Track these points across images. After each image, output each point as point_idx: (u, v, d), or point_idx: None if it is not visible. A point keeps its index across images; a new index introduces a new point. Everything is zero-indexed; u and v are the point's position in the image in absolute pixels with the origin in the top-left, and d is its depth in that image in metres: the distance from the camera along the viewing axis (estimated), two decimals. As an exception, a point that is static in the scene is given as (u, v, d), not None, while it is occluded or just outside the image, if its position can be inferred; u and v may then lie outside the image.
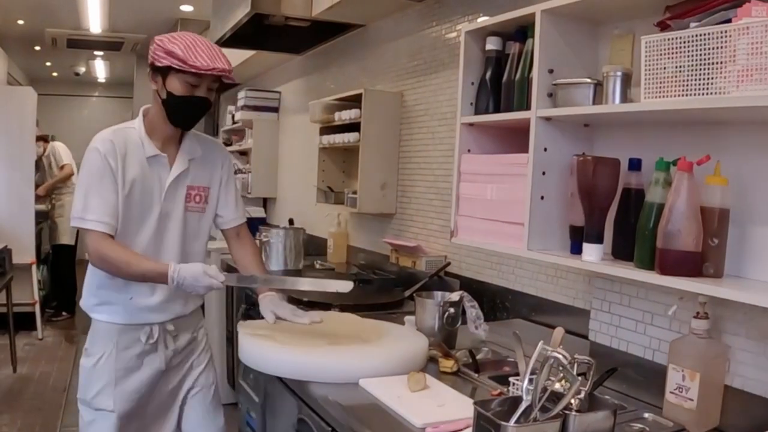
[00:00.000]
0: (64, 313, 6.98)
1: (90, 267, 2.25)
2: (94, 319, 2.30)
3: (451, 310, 2.36)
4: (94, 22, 6.47)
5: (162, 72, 2.16)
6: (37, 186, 6.55)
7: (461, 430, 1.60)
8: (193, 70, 2.12)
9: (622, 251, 1.84)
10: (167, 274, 2.11)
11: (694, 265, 1.60)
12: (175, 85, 2.16)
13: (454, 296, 2.39)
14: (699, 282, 1.55)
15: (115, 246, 2.15)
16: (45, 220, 6.89)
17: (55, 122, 9.75)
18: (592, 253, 1.82)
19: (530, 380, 1.45)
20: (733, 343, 1.73)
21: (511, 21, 2.12)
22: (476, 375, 2.08)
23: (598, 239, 1.82)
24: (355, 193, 3.78)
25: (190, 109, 2.23)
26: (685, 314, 1.80)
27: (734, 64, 1.43)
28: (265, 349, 2.05)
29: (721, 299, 1.56)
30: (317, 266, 4.04)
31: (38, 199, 6.51)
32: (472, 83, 2.30)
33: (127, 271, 2.15)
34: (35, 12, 6.38)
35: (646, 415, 1.78)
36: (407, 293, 3.07)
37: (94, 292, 2.29)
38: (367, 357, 2.03)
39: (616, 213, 1.86)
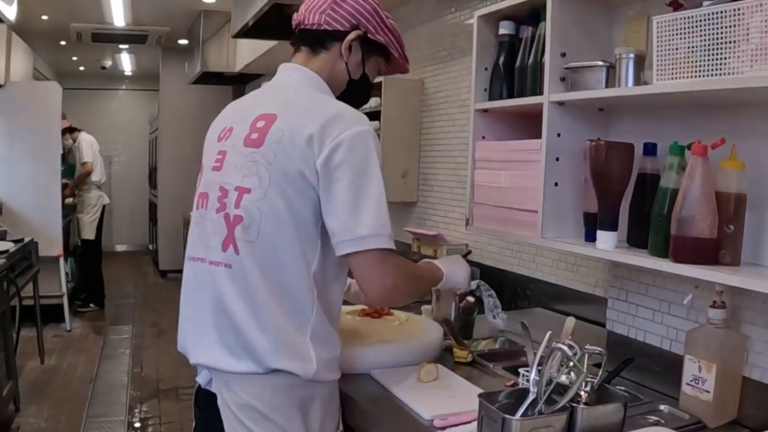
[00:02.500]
0: (92, 305, 7.09)
1: (321, 308, 1.60)
2: (329, 382, 1.66)
3: (468, 299, 2.33)
4: (118, 16, 6.50)
5: (370, 47, 1.76)
6: (65, 177, 6.65)
7: (469, 422, 1.58)
8: (407, 66, 1.85)
9: (637, 239, 1.79)
10: (441, 274, 1.88)
11: (709, 252, 1.54)
12: (373, 71, 1.80)
13: (472, 284, 2.36)
14: (714, 270, 1.50)
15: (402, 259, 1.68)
16: (73, 212, 6.99)
17: (83, 116, 9.87)
18: (606, 240, 1.77)
19: (538, 372, 1.42)
20: (751, 333, 1.67)
21: (524, 4, 2.07)
22: (491, 365, 2.05)
23: (612, 226, 1.77)
24: (376, 181, 3.76)
25: (365, 100, 1.88)
26: (703, 303, 1.75)
27: (748, 43, 1.37)
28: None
29: (737, 288, 1.50)
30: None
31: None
32: (486, 69, 2.25)
33: (422, 292, 1.92)
34: (59, 7, 6.43)
35: (662, 407, 1.74)
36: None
37: (329, 342, 1.64)
38: (379, 348, 2.01)
39: (631, 199, 1.81)
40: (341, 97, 1.73)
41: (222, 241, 1.58)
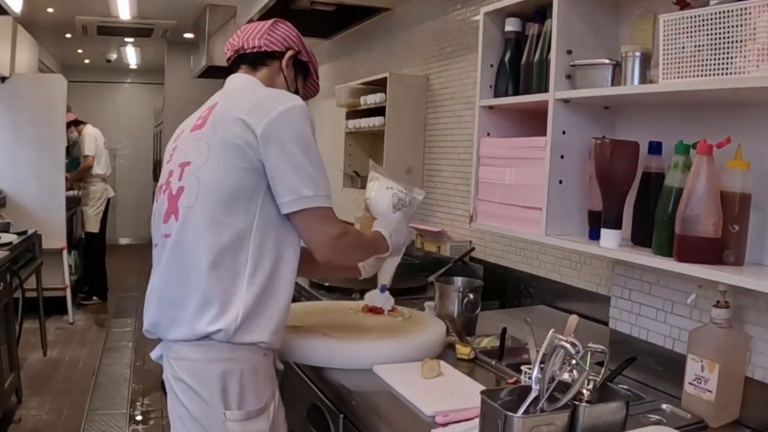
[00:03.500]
0: (95, 298, 7.11)
1: (257, 268, 1.68)
2: (251, 348, 1.70)
3: (471, 296, 2.33)
4: (123, 9, 6.50)
5: (298, 67, 1.99)
6: (69, 170, 6.67)
7: (471, 418, 1.57)
8: (317, 87, 2.08)
9: (641, 237, 1.78)
10: (386, 238, 2.03)
11: (713, 252, 1.54)
12: (298, 86, 2.03)
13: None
14: (718, 270, 1.50)
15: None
16: (77, 205, 7.00)
17: (88, 109, 9.85)
18: (609, 238, 1.77)
19: (540, 369, 1.41)
20: (754, 333, 1.67)
21: (530, 1, 2.06)
22: (494, 362, 2.05)
23: (616, 225, 1.76)
24: (380, 177, 3.76)
25: None
26: (706, 303, 1.75)
27: (755, 42, 1.36)
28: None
29: (741, 288, 1.50)
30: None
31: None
32: (492, 65, 2.25)
33: (368, 255, 2.03)
34: (64, 0, 6.43)
35: (664, 406, 1.73)
36: (431, 278, 3.04)
37: (261, 308, 1.70)
38: (381, 343, 2.01)
39: (636, 198, 1.81)
40: None
41: (163, 215, 1.74)
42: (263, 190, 1.68)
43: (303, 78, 2.03)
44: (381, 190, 2.23)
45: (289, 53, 1.93)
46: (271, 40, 1.92)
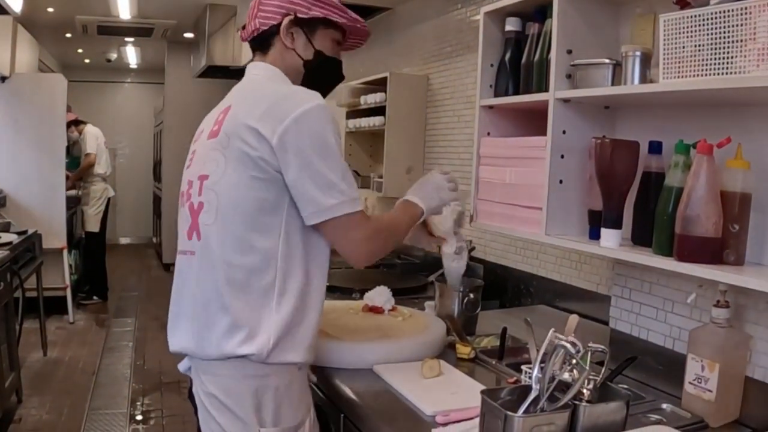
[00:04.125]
0: (95, 298, 7.09)
1: (285, 285, 1.60)
2: (286, 366, 1.63)
3: (471, 295, 2.33)
4: (123, 9, 6.49)
5: (309, 25, 1.76)
6: (69, 169, 6.66)
7: (471, 418, 1.58)
8: (361, 26, 1.82)
9: (641, 237, 1.78)
10: (419, 208, 1.84)
11: (713, 251, 1.54)
12: (327, 44, 1.80)
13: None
14: (718, 269, 1.50)
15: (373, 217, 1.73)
16: (78, 205, 6.99)
17: (88, 108, 9.84)
18: (610, 238, 1.77)
19: (540, 369, 1.42)
20: (754, 332, 1.67)
21: (530, 1, 2.06)
22: (494, 362, 2.05)
23: (616, 224, 1.76)
24: (381, 177, 3.76)
25: (336, 75, 1.87)
26: (706, 302, 1.75)
27: (755, 42, 1.36)
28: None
29: (741, 287, 1.50)
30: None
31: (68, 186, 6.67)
32: (492, 65, 2.25)
33: (402, 235, 1.84)
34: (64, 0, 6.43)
35: (665, 405, 1.74)
36: (431, 278, 3.04)
37: (293, 327, 1.62)
38: (382, 343, 2.01)
39: (636, 197, 1.80)
40: (309, 81, 1.77)
41: (187, 231, 1.66)
42: (287, 201, 1.58)
43: (336, 29, 1.80)
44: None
45: (285, 22, 1.73)
46: (264, 17, 1.75)
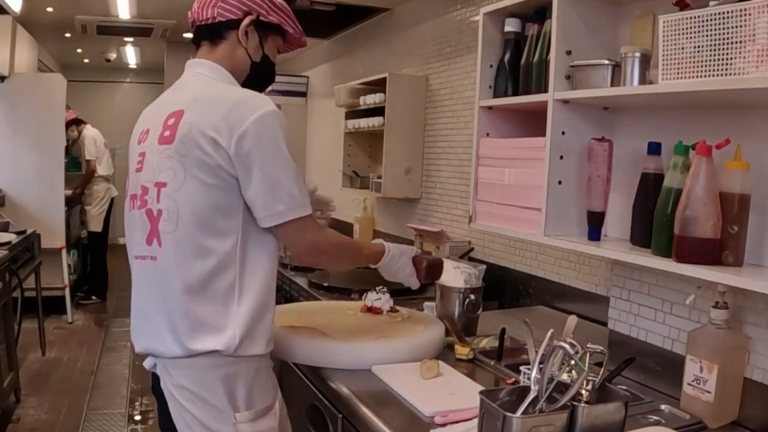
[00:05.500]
0: (93, 298, 7.08)
1: (246, 282, 1.67)
2: (254, 357, 1.70)
3: (472, 296, 2.33)
4: (123, 9, 6.47)
5: (265, 29, 1.82)
6: (69, 170, 6.65)
7: (470, 418, 1.57)
8: (302, 38, 1.90)
9: (640, 238, 1.78)
10: (382, 251, 1.97)
11: (712, 252, 1.54)
12: (272, 50, 1.87)
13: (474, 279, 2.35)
14: (717, 271, 1.50)
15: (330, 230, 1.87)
16: (78, 204, 6.97)
17: (87, 108, 9.80)
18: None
19: (539, 369, 1.41)
20: (753, 334, 1.66)
21: (530, 1, 2.06)
22: (492, 362, 2.05)
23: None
24: (380, 177, 3.76)
25: (271, 78, 1.93)
26: (705, 304, 1.75)
27: (754, 43, 1.36)
28: (279, 335, 2.04)
29: (740, 289, 1.50)
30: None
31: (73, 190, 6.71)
32: (491, 66, 2.25)
33: (355, 258, 1.98)
34: (63, -1, 6.42)
35: (663, 406, 1.74)
36: (429, 279, 3.04)
37: (256, 315, 1.69)
38: (380, 344, 2.01)
39: (635, 198, 1.80)
40: (247, 82, 1.83)
41: (146, 236, 1.68)
42: (243, 205, 1.64)
43: (282, 37, 1.89)
44: (450, 272, 2.30)
45: (247, 20, 1.77)
46: (225, 8, 1.76)
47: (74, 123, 6.87)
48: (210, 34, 1.79)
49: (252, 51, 1.81)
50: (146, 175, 1.70)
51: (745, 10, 1.37)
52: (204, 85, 1.75)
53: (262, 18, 1.78)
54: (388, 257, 2.00)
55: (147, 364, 1.77)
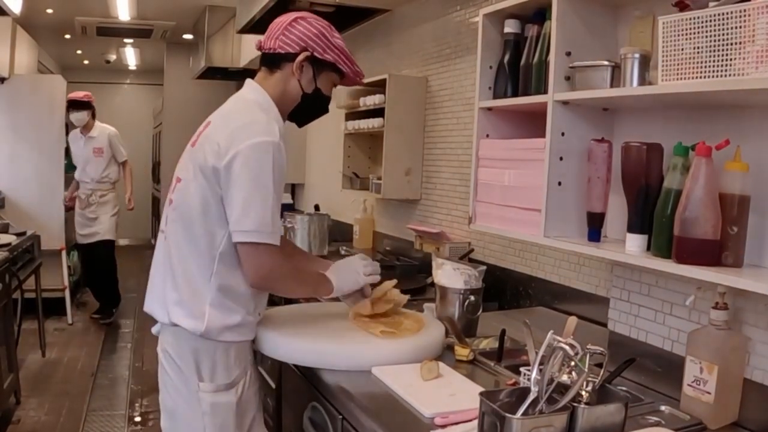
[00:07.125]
0: (114, 311, 6.60)
1: (223, 282, 1.87)
2: (223, 342, 1.91)
3: (472, 297, 2.33)
4: (123, 10, 6.49)
5: (320, 65, 1.97)
6: (68, 171, 6.44)
7: (470, 420, 1.57)
8: (359, 79, 2.06)
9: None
10: (331, 287, 2.07)
11: (712, 253, 1.54)
12: (327, 85, 2.02)
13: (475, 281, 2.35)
14: (717, 271, 1.50)
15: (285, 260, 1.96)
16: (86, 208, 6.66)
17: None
18: (635, 242, 1.74)
19: (539, 371, 1.41)
20: (753, 335, 1.67)
21: (529, 3, 2.07)
22: (492, 364, 2.05)
23: (643, 229, 1.74)
24: (380, 178, 3.76)
25: (323, 110, 2.09)
26: (705, 305, 1.75)
27: (753, 44, 1.37)
28: (279, 336, 2.04)
29: (740, 290, 1.50)
30: (342, 252, 4.02)
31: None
32: (491, 67, 2.25)
33: (303, 293, 2.19)
34: (64, 1, 6.41)
35: (663, 407, 1.73)
36: (430, 280, 3.04)
37: (226, 311, 1.89)
38: (380, 345, 2.01)
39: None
40: (297, 109, 2.03)
41: (165, 216, 1.99)
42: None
43: (338, 74, 2.02)
44: (450, 274, 2.34)
45: (301, 56, 1.94)
46: (285, 41, 1.95)
47: (89, 108, 6.31)
48: (270, 62, 1.98)
49: (305, 83, 1.97)
50: (179, 168, 1.99)
51: (745, 11, 1.38)
52: (235, 104, 1.99)
53: (317, 55, 1.95)
54: (334, 293, 2.10)
55: (154, 329, 2.01)
